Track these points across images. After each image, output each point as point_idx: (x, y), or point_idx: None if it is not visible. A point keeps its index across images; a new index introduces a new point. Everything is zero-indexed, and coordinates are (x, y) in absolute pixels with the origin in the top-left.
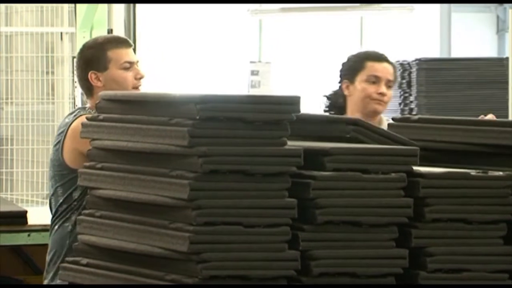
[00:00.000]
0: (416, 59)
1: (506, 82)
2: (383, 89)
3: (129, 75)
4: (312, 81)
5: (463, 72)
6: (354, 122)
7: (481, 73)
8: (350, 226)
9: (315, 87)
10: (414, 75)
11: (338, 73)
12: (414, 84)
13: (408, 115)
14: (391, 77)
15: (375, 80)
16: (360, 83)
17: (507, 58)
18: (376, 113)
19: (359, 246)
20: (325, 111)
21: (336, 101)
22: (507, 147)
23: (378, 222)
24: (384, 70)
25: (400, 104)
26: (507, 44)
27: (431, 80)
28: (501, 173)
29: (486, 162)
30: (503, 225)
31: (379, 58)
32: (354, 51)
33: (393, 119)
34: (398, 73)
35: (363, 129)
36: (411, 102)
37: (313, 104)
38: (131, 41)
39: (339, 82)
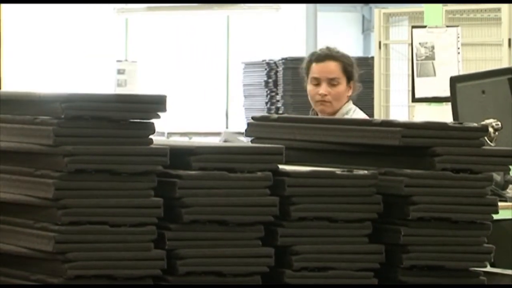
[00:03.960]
0: (282, 59)
1: (372, 81)
2: (323, 89)
3: None
4: (178, 80)
5: None
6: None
7: None
8: (216, 225)
9: (182, 85)
10: (280, 74)
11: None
12: (280, 83)
13: (267, 114)
14: (332, 75)
15: (316, 82)
16: (308, 85)
17: (372, 58)
18: (324, 113)
19: (225, 245)
20: None
21: None
22: (371, 146)
23: (244, 221)
24: (322, 70)
25: (266, 103)
26: (372, 44)
27: (297, 79)
28: (366, 171)
29: (351, 161)
30: (368, 224)
31: (320, 58)
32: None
33: (252, 118)
34: (264, 72)
35: None
36: (278, 101)
37: (180, 102)
38: None
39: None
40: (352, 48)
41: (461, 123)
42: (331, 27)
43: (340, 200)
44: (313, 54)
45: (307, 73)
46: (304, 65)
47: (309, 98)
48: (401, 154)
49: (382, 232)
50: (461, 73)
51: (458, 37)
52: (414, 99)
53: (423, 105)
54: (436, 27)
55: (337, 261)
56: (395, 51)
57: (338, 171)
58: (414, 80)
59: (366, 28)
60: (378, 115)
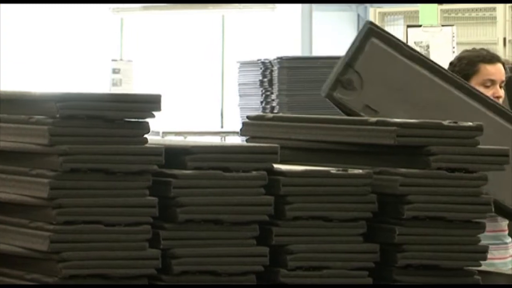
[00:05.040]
0: (278, 58)
1: None
2: (499, 92)
3: None
4: (174, 79)
5: (325, 70)
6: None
7: None
8: (211, 224)
9: (177, 85)
10: (275, 74)
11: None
12: (275, 82)
13: (262, 113)
14: (504, 77)
15: (490, 83)
16: (479, 86)
17: None
18: None
19: (220, 244)
20: None
21: None
22: (366, 145)
23: (239, 220)
24: (498, 72)
25: (261, 102)
26: None
27: (292, 78)
28: (360, 171)
29: (346, 160)
30: (362, 223)
31: (492, 59)
32: (469, 50)
33: (247, 117)
34: (259, 71)
35: None
36: (273, 100)
37: (175, 102)
38: None
39: None
40: (347, 47)
41: (456, 122)
42: (327, 26)
43: (335, 199)
44: (478, 56)
45: (470, 75)
46: (460, 67)
47: None
48: (396, 153)
49: (377, 231)
50: None
51: (453, 36)
52: None
53: None
54: (431, 26)
55: (332, 260)
56: None
57: (333, 170)
58: None
59: (361, 27)
60: None
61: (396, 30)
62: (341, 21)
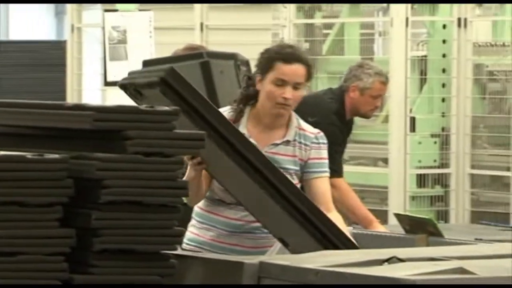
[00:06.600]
0: None
1: (64, 65)
2: (287, 93)
3: None
4: None
5: (21, 54)
6: None
7: (39, 56)
8: None
9: None
10: None
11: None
12: None
13: None
14: (300, 79)
15: (281, 83)
16: (268, 83)
17: (65, 41)
18: (281, 116)
19: None
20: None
21: (248, 91)
22: (64, 130)
23: None
24: (292, 73)
25: None
26: (65, 27)
27: None
28: (57, 155)
29: (44, 145)
30: (58, 208)
31: (289, 59)
32: (279, 45)
33: None
34: None
35: None
36: None
37: None
38: None
39: (255, 73)
40: (45, 31)
41: (152, 107)
42: (24, 10)
43: (30, 184)
44: (277, 52)
45: (267, 70)
46: (261, 60)
47: (265, 97)
48: (94, 138)
49: (74, 216)
50: (154, 57)
51: (150, 21)
52: (106, 83)
53: (116, 89)
54: (128, 11)
55: (27, 246)
56: (89, 34)
57: (28, 155)
58: (106, 64)
59: (59, 11)
60: (71, 99)
61: (94, 14)
62: (39, 4)
